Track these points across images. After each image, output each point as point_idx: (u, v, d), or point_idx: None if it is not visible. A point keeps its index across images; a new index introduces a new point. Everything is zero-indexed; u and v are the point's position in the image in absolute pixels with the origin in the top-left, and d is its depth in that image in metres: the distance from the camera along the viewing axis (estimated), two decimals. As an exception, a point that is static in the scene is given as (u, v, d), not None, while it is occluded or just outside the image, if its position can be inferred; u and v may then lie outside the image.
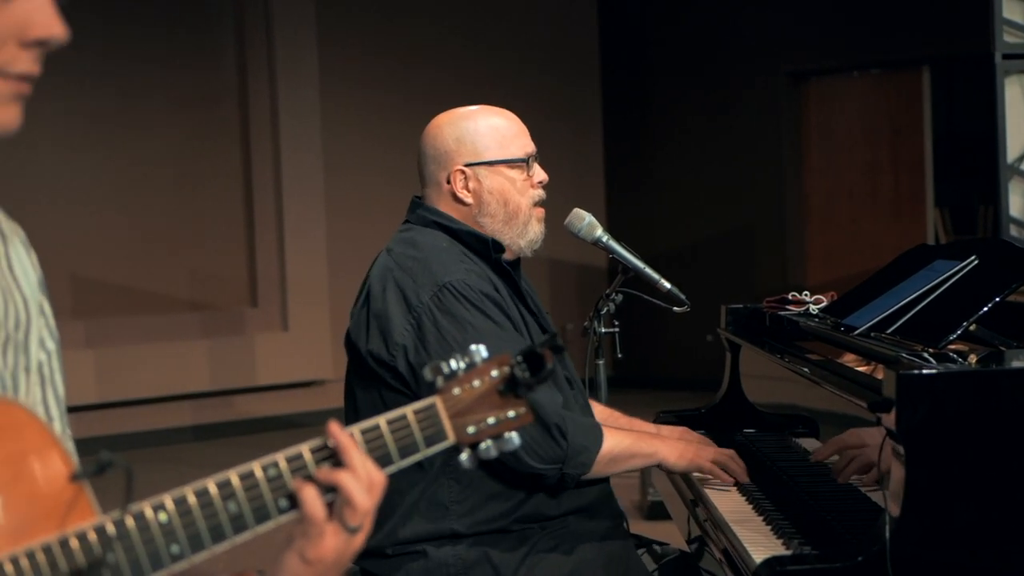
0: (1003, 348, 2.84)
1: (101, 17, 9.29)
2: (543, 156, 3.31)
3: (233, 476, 1.58)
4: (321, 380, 10.40)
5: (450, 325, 2.97)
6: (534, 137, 3.27)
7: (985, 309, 2.84)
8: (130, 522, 1.49)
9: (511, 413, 1.76)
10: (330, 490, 1.64)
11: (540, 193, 3.23)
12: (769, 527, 2.91)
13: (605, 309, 3.82)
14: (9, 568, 1.42)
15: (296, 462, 1.63)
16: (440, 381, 1.74)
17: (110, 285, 9.74)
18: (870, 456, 2.65)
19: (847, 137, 10.68)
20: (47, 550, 1.44)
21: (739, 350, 3.94)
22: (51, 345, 1.70)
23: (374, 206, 10.51)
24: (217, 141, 10.27)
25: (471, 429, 1.74)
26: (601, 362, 3.86)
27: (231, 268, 10.38)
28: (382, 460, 1.68)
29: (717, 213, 11.25)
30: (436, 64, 11.04)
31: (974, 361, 2.61)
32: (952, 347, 2.80)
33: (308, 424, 9.91)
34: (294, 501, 1.62)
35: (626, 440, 3.17)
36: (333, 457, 1.65)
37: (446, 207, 3.19)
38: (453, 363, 1.74)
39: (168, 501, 1.53)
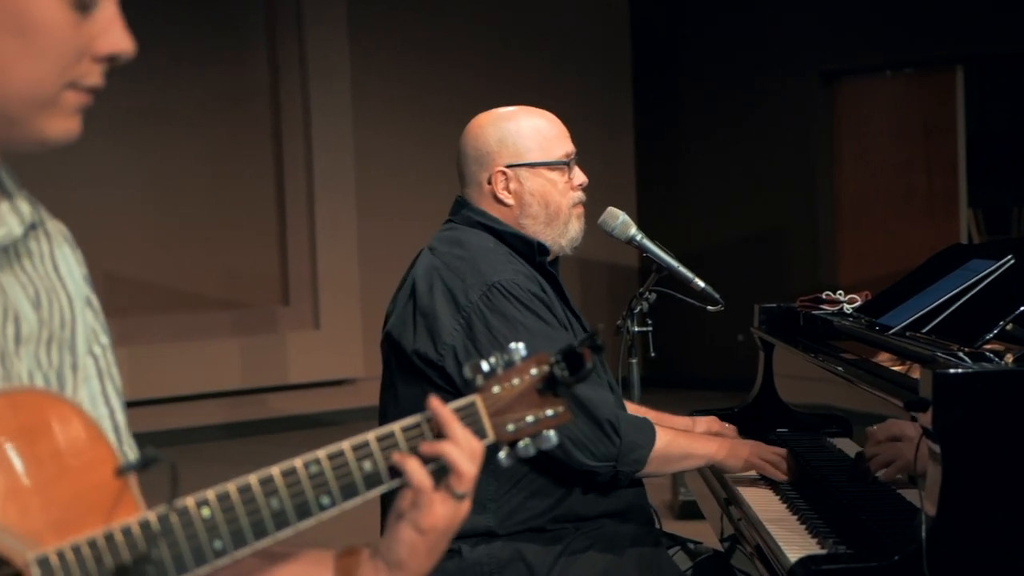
0: (1040, 348, 2.83)
1: (133, 16, 9.31)
2: (573, 156, 3.31)
3: (283, 469, 1.60)
4: (352, 378, 10.42)
5: (501, 324, 2.96)
6: (564, 137, 3.27)
7: (1022, 308, 2.83)
8: (174, 517, 1.50)
9: (549, 412, 1.77)
10: (429, 462, 1.69)
11: (580, 195, 3.23)
12: (803, 526, 2.91)
13: (638, 308, 3.82)
14: (55, 562, 1.43)
15: (362, 450, 1.66)
16: (480, 379, 1.74)
17: (143, 283, 9.79)
18: (905, 453, 2.64)
19: (879, 137, 10.65)
20: (92, 545, 1.46)
21: (772, 349, 3.94)
22: (104, 339, 1.72)
23: (405, 204, 10.54)
24: (249, 140, 10.31)
25: (510, 427, 1.75)
26: (634, 361, 3.86)
27: (263, 266, 10.42)
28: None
29: (748, 213, 11.23)
30: (467, 63, 11.05)
31: (1011, 360, 2.60)
32: (988, 346, 2.79)
33: (339, 422, 9.94)
34: (338, 497, 1.63)
35: (681, 439, 3.18)
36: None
37: (487, 207, 3.19)
38: (493, 361, 1.75)
39: (211, 496, 1.54)
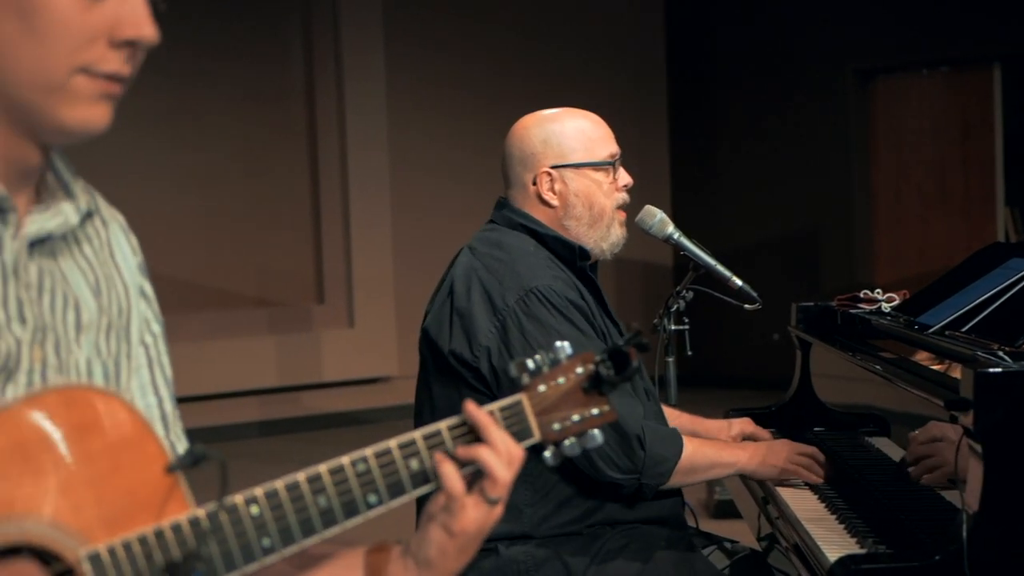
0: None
1: (168, 13, 9.36)
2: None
3: (337, 464, 1.61)
4: (387, 377, 10.44)
5: (535, 330, 2.97)
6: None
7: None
8: (223, 515, 1.51)
9: (595, 411, 1.77)
10: (465, 465, 1.69)
11: (624, 196, 3.23)
12: (842, 526, 2.91)
13: (675, 306, 3.82)
14: (106, 558, 1.44)
15: (408, 448, 1.67)
16: (525, 378, 1.75)
17: (178, 281, 9.83)
18: (948, 457, 2.63)
19: (916, 136, 10.59)
20: (143, 541, 1.47)
21: (810, 348, 3.93)
22: (156, 328, 1.73)
23: (440, 203, 10.56)
24: (284, 138, 10.34)
25: (556, 426, 1.75)
26: (671, 359, 3.86)
27: (298, 265, 10.45)
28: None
29: (783, 212, 11.19)
30: (501, 62, 11.06)
31: (1052, 360, 2.59)
32: (1029, 346, 2.78)
33: (373, 420, 9.95)
34: (385, 496, 1.64)
35: (707, 449, 3.17)
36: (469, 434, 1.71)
37: (531, 209, 3.19)
38: (538, 359, 1.75)
39: (259, 493, 1.55)
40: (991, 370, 2.46)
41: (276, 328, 10.23)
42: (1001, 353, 2.69)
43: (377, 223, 10.51)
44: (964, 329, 3.00)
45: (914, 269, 10.08)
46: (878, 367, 3.15)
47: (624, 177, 3.23)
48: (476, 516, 1.71)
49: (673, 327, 3.83)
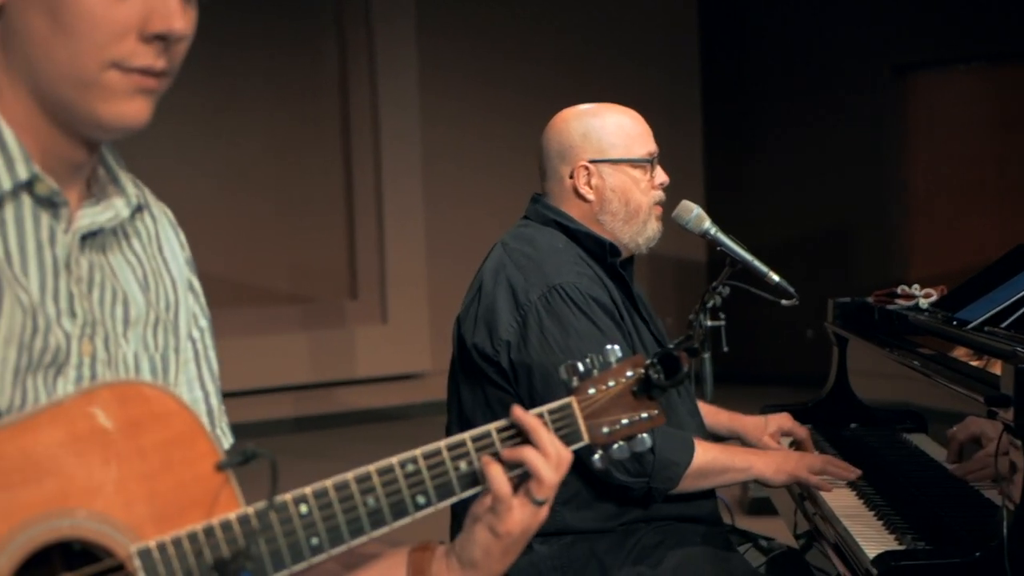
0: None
1: (203, 8, 9.36)
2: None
3: (391, 464, 1.62)
4: (420, 373, 10.45)
5: (553, 327, 2.96)
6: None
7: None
8: (272, 513, 1.52)
9: (644, 415, 1.77)
10: (513, 468, 1.69)
11: (660, 195, 3.22)
12: (881, 522, 2.90)
13: (711, 302, 3.81)
14: (156, 554, 1.45)
15: (458, 448, 1.67)
16: (575, 381, 1.75)
17: (211, 277, 9.73)
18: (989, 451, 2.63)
19: (951, 130, 10.54)
20: (192, 538, 1.48)
21: (846, 344, 3.92)
22: (203, 323, 1.74)
23: (473, 198, 10.56)
24: (317, 133, 10.36)
25: (605, 430, 1.75)
26: (707, 355, 3.86)
27: (331, 260, 10.47)
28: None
29: (818, 208, 11.16)
30: (534, 57, 11.06)
31: (1092, 356, 2.59)
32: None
33: (407, 416, 9.97)
34: (434, 497, 1.64)
35: (719, 454, 3.11)
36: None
37: (567, 203, 3.19)
38: (588, 363, 1.75)
39: (309, 492, 1.56)
40: (1032, 366, 2.44)
41: (309, 324, 10.26)
42: (1041, 349, 2.69)
43: (410, 218, 10.52)
44: (1003, 325, 2.99)
45: (949, 264, 10.02)
46: (916, 363, 3.13)
47: (661, 175, 3.22)
48: (522, 517, 1.71)
49: (709, 323, 3.83)
